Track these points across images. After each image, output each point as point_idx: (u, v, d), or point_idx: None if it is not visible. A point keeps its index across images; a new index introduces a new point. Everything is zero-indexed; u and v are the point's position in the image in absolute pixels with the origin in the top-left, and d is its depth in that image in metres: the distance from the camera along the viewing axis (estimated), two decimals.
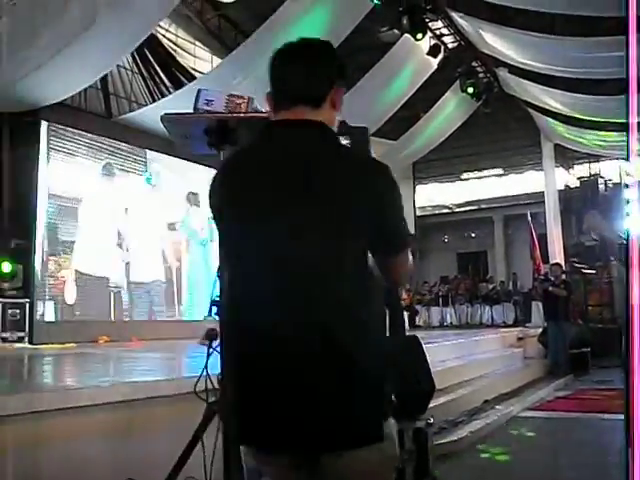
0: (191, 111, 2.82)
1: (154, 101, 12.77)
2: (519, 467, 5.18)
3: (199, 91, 2.89)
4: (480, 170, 23.85)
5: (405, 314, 13.91)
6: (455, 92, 15.85)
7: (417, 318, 19.76)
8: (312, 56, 1.84)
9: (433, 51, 13.95)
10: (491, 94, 16.17)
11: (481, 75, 15.98)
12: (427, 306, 20.55)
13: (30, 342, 9.17)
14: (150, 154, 12.06)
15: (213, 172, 1.86)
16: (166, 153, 11.32)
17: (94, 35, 8.27)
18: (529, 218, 16.28)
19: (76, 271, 10.48)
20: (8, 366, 6.54)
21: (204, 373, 2.72)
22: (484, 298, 20.20)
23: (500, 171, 23.55)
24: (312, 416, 1.59)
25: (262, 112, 2.92)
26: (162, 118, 2.79)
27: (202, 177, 12.61)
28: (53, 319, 9.89)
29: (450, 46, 15.24)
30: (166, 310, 12.33)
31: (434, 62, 14.22)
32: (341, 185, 1.68)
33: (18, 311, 9.13)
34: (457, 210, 23.89)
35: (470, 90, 15.62)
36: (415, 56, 13.72)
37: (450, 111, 16.31)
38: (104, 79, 11.31)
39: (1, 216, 9.98)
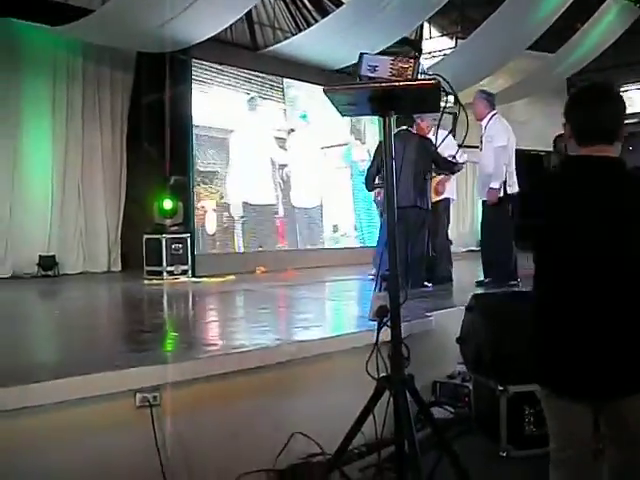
0: (354, 82, 2.77)
1: (297, 26, 12.67)
2: None
3: (361, 56, 2.80)
4: None
5: None
6: None
7: None
8: (614, 100, 2.26)
9: None
10: None
11: None
12: None
13: (193, 275, 9.63)
14: (293, 82, 12.08)
15: None
16: (316, 83, 11.23)
17: None
18: None
19: (225, 202, 10.70)
20: (180, 310, 6.93)
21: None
22: None
23: None
24: (617, 370, 2.14)
25: (430, 75, 2.79)
26: (324, 90, 2.73)
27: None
28: (209, 252, 10.26)
29: None
30: (319, 238, 12.50)
31: None
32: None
33: (180, 245, 9.54)
34: None
35: None
36: None
37: (610, 20, 15.04)
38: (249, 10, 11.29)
39: (162, 153, 10.43)
